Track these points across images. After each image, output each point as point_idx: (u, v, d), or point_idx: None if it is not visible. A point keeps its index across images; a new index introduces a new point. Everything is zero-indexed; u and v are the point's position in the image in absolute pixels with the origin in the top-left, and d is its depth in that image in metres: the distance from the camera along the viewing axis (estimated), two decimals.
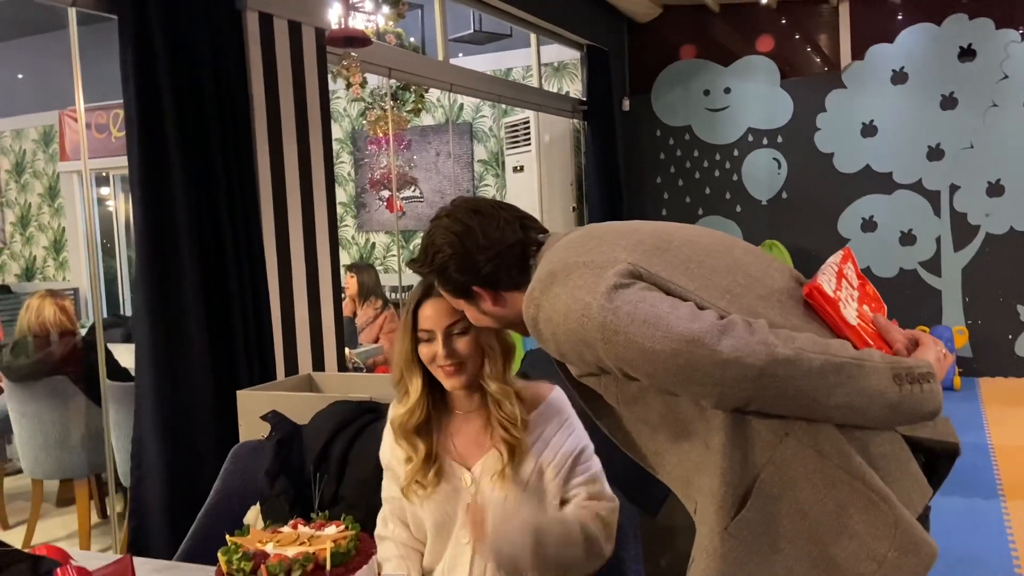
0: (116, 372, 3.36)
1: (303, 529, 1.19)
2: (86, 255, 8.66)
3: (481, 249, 1.34)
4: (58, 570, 0.91)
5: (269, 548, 1.13)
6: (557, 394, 1.66)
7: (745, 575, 1.14)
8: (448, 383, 1.56)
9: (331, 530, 1.18)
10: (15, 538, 3.71)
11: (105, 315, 8.30)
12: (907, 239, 6.10)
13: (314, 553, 1.10)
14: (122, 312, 8.36)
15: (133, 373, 3.30)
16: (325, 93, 3.44)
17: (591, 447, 1.67)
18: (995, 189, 5.85)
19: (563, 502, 1.60)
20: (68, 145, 8.52)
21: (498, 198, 7.15)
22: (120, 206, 8.79)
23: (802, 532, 1.13)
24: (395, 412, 1.63)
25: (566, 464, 1.59)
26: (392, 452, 1.65)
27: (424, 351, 1.56)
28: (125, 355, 3.38)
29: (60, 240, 9.00)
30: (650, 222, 1.37)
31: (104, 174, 8.39)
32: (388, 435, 1.68)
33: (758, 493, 1.14)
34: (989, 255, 5.90)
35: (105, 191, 8.74)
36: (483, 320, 1.43)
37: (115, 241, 8.78)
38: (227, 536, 1.16)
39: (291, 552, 1.10)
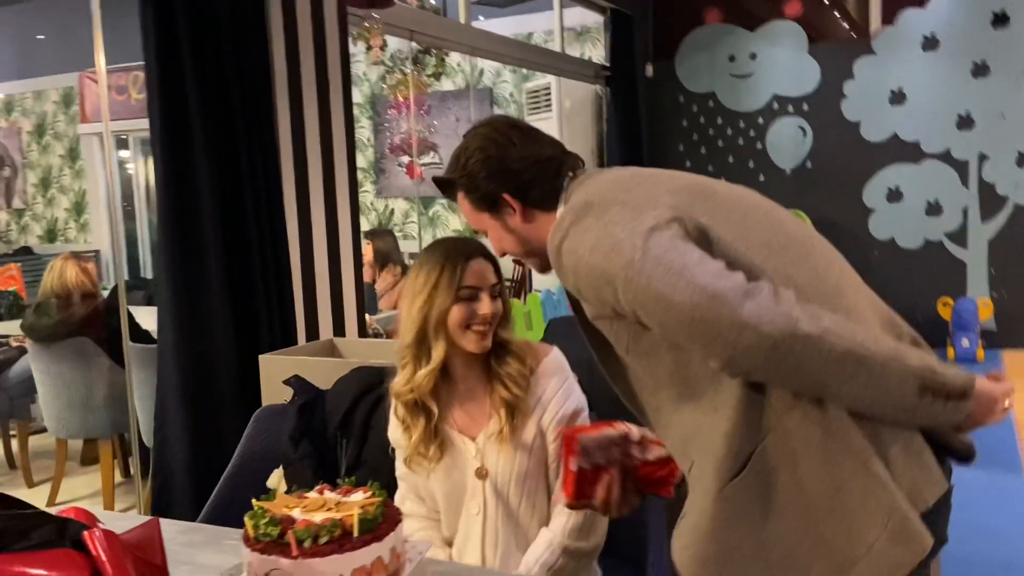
0: (137, 334, 3.39)
1: (329, 495, 1.19)
2: (107, 217, 8.71)
3: (517, 158, 1.32)
4: (85, 533, 0.91)
5: (296, 513, 1.12)
6: (556, 354, 1.67)
7: (734, 538, 1.14)
8: (479, 345, 1.55)
9: (358, 496, 1.17)
10: (40, 496, 3.77)
11: (126, 277, 8.37)
12: (933, 209, 6.00)
13: (341, 519, 1.09)
14: (142, 275, 8.41)
15: (155, 335, 3.32)
16: (346, 56, 3.40)
17: (587, 411, 1.67)
18: None
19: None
20: (88, 107, 8.53)
21: None
22: (139, 169, 8.81)
23: (797, 505, 1.11)
24: (404, 380, 1.59)
25: (563, 425, 1.59)
26: (398, 429, 1.65)
27: (461, 311, 1.53)
28: (146, 317, 3.40)
29: (81, 202, 9.04)
30: (694, 174, 1.34)
31: (123, 136, 8.40)
32: (393, 413, 1.67)
33: (758, 460, 1.12)
34: (1017, 226, 5.79)
35: (125, 154, 8.76)
36: (506, 241, 1.39)
37: (135, 204, 8.81)
38: (253, 500, 1.15)
39: (318, 518, 1.10)
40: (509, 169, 1.32)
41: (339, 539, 1.07)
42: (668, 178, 1.26)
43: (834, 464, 1.10)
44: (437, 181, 1.42)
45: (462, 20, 4.96)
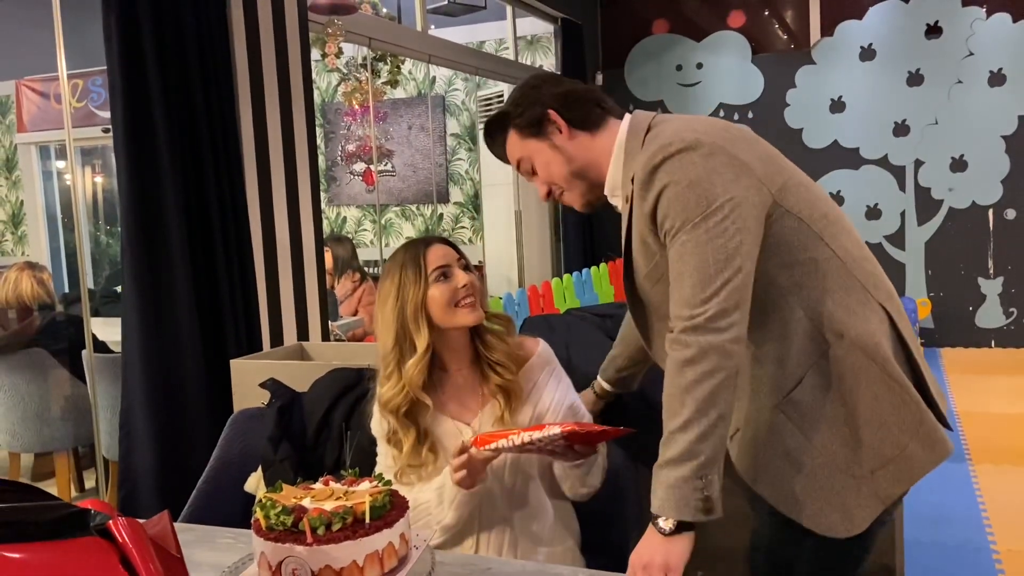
0: (93, 344, 3.32)
1: (335, 485, 1.21)
2: (46, 229, 8.47)
3: (558, 85, 1.47)
4: (111, 521, 0.92)
5: (306, 502, 1.14)
6: (544, 347, 1.70)
7: (787, 445, 1.31)
8: (471, 317, 1.55)
9: (365, 486, 1.20)
10: None
11: (67, 290, 8.16)
12: (873, 213, 6.23)
13: (352, 507, 1.11)
14: (84, 286, 8.19)
15: (109, 344, 3.28)
16: (307, 61, 3.41)
17: (580, 401, 1.72)
18: (958, 164, 5.99)
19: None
20: (26, 116, 8.28)
21: (471, 172, 7.04)
22: (78, 179, 8.58)
23: (840, 416, 1.29)
24: (391, 386, 1.57)
25: (561, 413, 1.63)
26: (383, 422, 1.65)
27: (441, 291, 1.54)
28: (97, 327, 3.34)
29: (18, 214, 8.77)
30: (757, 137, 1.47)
31: (60, 146, 8.18)
32: (376, 409, 1.67)
33: (810, 379, 1.29)
34: (951, 229, 6.06)
35: (62, 164, 8.53)
36: (554, 163, 1.45)
37: (73, 215, 8.57)
38: (261, 493, 1.17)
39: (329, 506, 1.12)
40: (550, 93, 1.44)
41: (351, 526, 1.10)
42: (749, 142, 1.36)
43: (874, 382, 1.28)
44: (489, 122, 1.51)
45: (419, 28, 4.99)
